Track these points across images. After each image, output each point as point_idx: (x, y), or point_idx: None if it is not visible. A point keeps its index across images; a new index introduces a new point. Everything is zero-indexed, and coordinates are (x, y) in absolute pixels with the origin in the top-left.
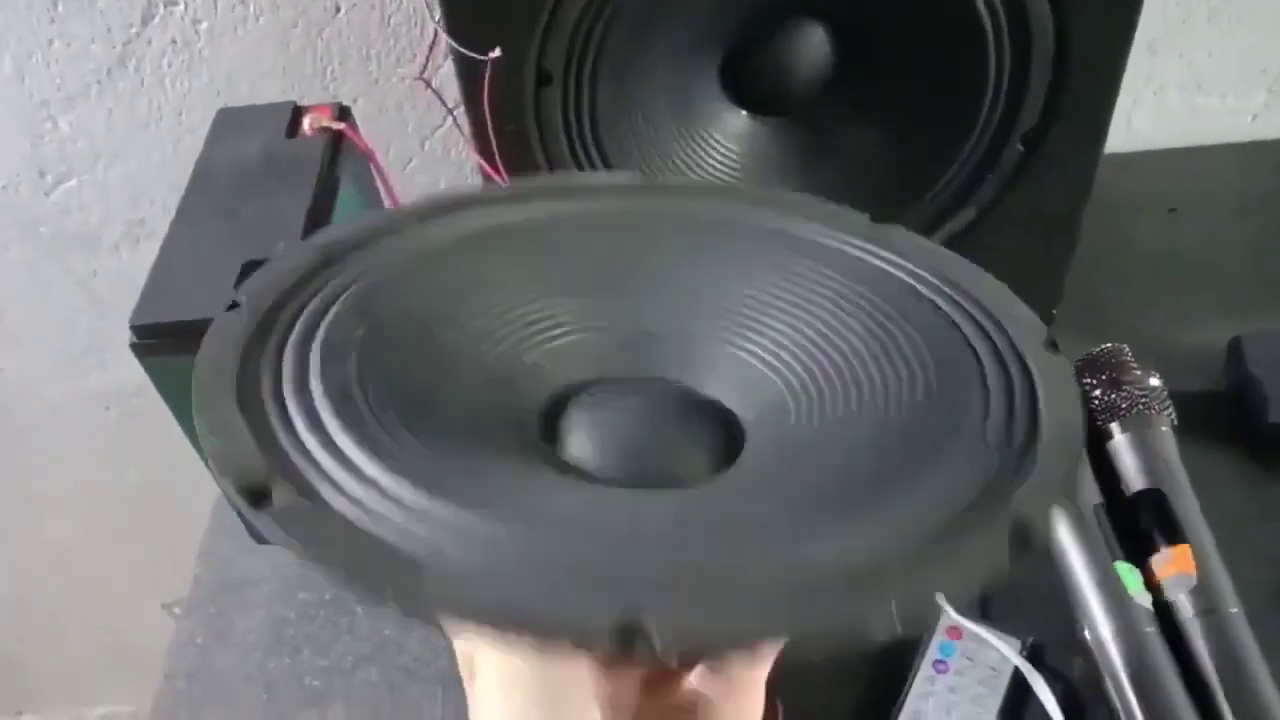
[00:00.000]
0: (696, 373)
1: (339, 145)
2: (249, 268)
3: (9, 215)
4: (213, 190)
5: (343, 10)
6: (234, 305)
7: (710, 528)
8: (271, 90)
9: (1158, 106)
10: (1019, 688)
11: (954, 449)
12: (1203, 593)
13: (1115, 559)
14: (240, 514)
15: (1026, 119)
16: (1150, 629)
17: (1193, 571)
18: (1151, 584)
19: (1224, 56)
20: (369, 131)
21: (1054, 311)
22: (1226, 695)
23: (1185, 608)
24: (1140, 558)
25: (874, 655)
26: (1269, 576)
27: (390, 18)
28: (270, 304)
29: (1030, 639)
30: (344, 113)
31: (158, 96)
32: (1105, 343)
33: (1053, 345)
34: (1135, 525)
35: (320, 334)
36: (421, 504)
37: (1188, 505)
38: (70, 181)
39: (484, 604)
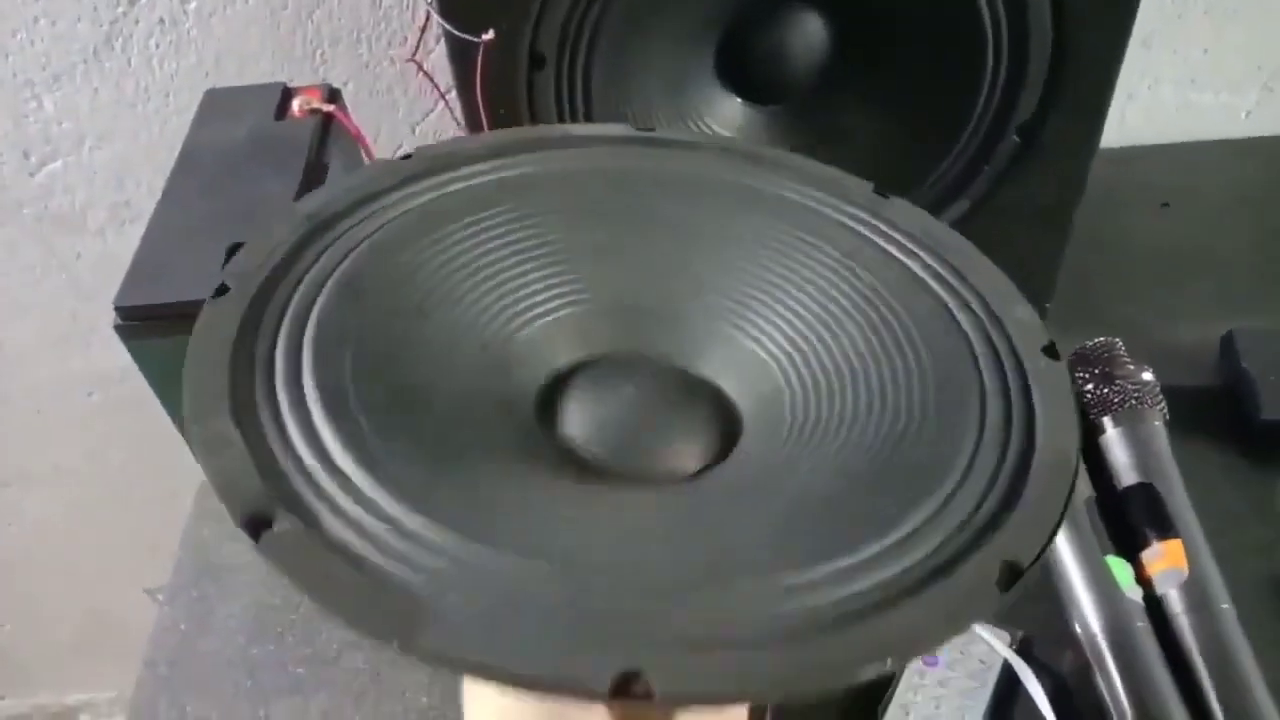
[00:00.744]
0: (693, 352)
1: (328, 128)
2: (235, 250)
3: None
4: (200, 172)
5: None
6: (222, 289)
7: (705, 560)
8: (260, 72)
9: (1152, 101)
10: (1009, 681)
11: (945, 476)
12: (1193, 587)
13: (1106, 553)
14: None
15: (1023, 111)
16: (1141, 623)
17: (1184, 566)
18: (1142, 578)
19: (1219, 52)
20: (360, 115)
21: (1047, 305)
22: (1216, 690)
23: (1176, 602)
24: (1131, 552)
25: None
26: (1260, 572)
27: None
28: (258, 288)
29: (1020, 632)
30: (334, 95)
31: (145, 77)
32: (1098, 336)
33: (1052, 350)
34: (1126, 519)
35: (311, 326)
36: (422, 531)
37: (1179, 500)
38: (55, 163)
39: (486, 660)
